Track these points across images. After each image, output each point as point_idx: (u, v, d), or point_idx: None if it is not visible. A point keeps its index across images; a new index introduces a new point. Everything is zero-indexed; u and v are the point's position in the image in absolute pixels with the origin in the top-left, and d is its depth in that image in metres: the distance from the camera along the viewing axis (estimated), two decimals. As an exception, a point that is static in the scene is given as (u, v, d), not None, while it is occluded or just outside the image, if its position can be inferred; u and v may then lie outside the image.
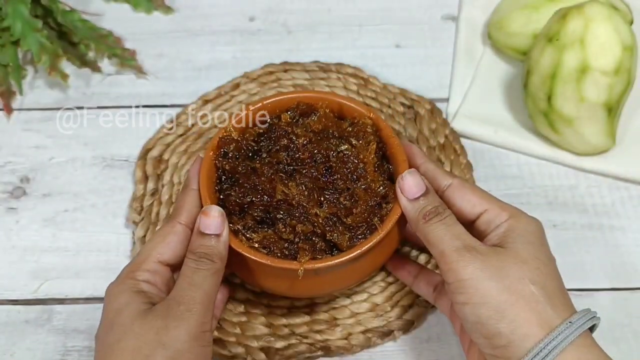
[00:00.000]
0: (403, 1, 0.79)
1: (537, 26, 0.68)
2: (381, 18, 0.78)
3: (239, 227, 0.52)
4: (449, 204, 0.51)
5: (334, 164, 0.53)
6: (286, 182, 0.52)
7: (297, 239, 0.52)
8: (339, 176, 0.53)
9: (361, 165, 0.53)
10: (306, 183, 0.52)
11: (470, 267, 0.46)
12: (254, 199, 0.52)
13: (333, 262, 0.50)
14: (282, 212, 0.52)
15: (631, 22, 0.68)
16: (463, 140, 0.68)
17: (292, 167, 0.53)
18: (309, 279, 0.52)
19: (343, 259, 0.50)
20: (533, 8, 0.69)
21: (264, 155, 0.54)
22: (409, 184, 0.50)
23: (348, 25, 0.78)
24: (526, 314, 0.44)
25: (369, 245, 0.50)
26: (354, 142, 0.54)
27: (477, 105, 0.69)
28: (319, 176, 0.53)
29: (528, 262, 0.46)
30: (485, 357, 0.46)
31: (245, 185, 0.53)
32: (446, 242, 0.47)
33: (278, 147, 0.54)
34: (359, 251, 0.50)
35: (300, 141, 0.53)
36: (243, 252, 0.51)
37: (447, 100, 0.71)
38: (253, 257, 0.50)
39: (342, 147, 0.54)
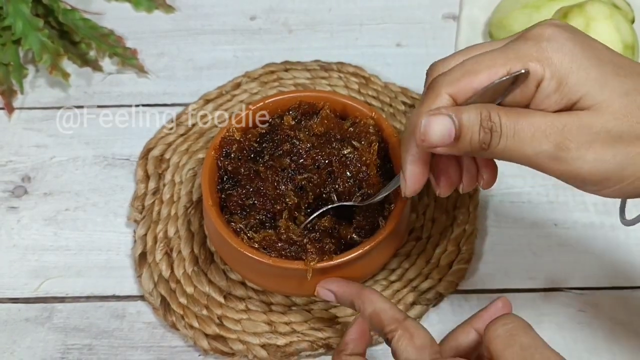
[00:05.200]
0: (404, 0, 0.79)
1: (538, 25, 0.68)
2: (382, 17, 0.78)
3: (240, 226, 0.52)
4: None
5: (337, 169, 0.53)
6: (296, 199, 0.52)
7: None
8: (341, 181, 0.53)
9: (364, 168, 0.53)
10: (310, 189, 0.52)
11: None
12: (256, 201, 0.52)
13: (335, 262, 0.50)
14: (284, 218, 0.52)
15: (632, 21, 0.68)
16: (464, 139, 0.68)
17: (295, 173, 0.53)
18: (311, 278, 0.52)
19: (345, 258, 0.50)
20: (534, 7, 0.69)
21: (266, 157, 0.54)
22: (435, 134, 0.40)
23: (349, 24, 0.78)
24: None
25: (371, 245, 0.51)
26: (356, 145, 0.54)
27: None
28: (322, 182, 0.53)
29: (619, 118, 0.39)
30: None
31: (248, 187, 0.53)
32: (531, 161, 0.40)
33: (281, 151, 0.54)
34: (360, 251, 0.50)
35: (303, 146, 0.54)
36: (245, 252, 0.51)
37: (448, 99, 0.71)
38: (255, 257, 0.50)
39: (345, 151, 0.54)
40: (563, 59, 0.39)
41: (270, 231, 0.52)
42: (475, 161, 0.45)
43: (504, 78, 0.39)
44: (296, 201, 0.52)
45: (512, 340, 0.38)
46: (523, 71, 0.39)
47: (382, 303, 0.48)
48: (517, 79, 0.39)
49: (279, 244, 0.51)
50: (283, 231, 0.51)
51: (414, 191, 0.44)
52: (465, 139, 0.40)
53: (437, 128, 0.39)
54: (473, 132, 0.40)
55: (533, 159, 0.40)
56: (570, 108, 0.39)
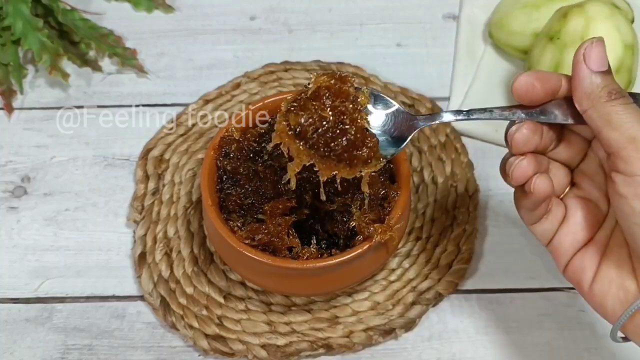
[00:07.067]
0: (404, 0, 0.79)
1: (538, 25, 0.68)
2: (382, 17, 0.78)
3: (238, 224, 0.52)
4: None
5: None
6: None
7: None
8: (339, 180, 0.53)
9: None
10: (310, 188, 0.52)
11: None
12: (254, 201, 0.52)
13: (334, 261, 0.50)
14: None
15: (632, 21, 0.68)
16: (464, 139, 0.68)
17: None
18: (310, 278, 0.52)
19: (344, 258, 0.50)
20: (534, 7, 0.69)
21: (266, 157, 0.54)
22: (597, 54, 0.42)
23: (349, 24, 0.78)
24: None
25: (369, 244, 0.50)
26: None
27: (478, 104, 0.69)
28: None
29: None
30: None
31: (247, 187, 0.53)
32: (638, 126, 0.40)
33: (280, 150, 0.54)
34: (359, 250, 0.50)
35: None
36: (244, 251, 0.51)
37: (448, 99, 0.71)
38: (255, 257, 0.50)
39: None
40: None
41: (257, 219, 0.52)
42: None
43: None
44: (294, 201, 0.52)
45: None
46: None
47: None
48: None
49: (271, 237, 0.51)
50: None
51: (527, 78, 0.44)
52: (612, 76, 0.42)
53: (601, 52, 0.42)
54: (618, 81, 0.43)
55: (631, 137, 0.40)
56: None
